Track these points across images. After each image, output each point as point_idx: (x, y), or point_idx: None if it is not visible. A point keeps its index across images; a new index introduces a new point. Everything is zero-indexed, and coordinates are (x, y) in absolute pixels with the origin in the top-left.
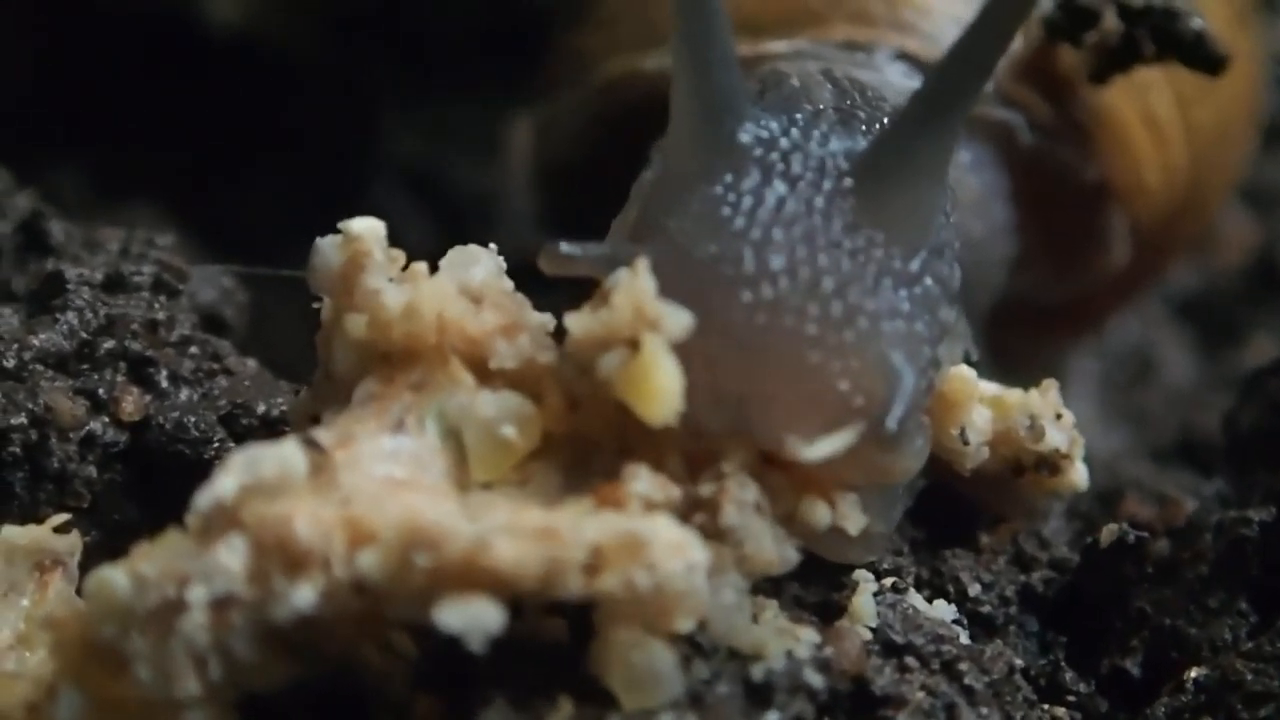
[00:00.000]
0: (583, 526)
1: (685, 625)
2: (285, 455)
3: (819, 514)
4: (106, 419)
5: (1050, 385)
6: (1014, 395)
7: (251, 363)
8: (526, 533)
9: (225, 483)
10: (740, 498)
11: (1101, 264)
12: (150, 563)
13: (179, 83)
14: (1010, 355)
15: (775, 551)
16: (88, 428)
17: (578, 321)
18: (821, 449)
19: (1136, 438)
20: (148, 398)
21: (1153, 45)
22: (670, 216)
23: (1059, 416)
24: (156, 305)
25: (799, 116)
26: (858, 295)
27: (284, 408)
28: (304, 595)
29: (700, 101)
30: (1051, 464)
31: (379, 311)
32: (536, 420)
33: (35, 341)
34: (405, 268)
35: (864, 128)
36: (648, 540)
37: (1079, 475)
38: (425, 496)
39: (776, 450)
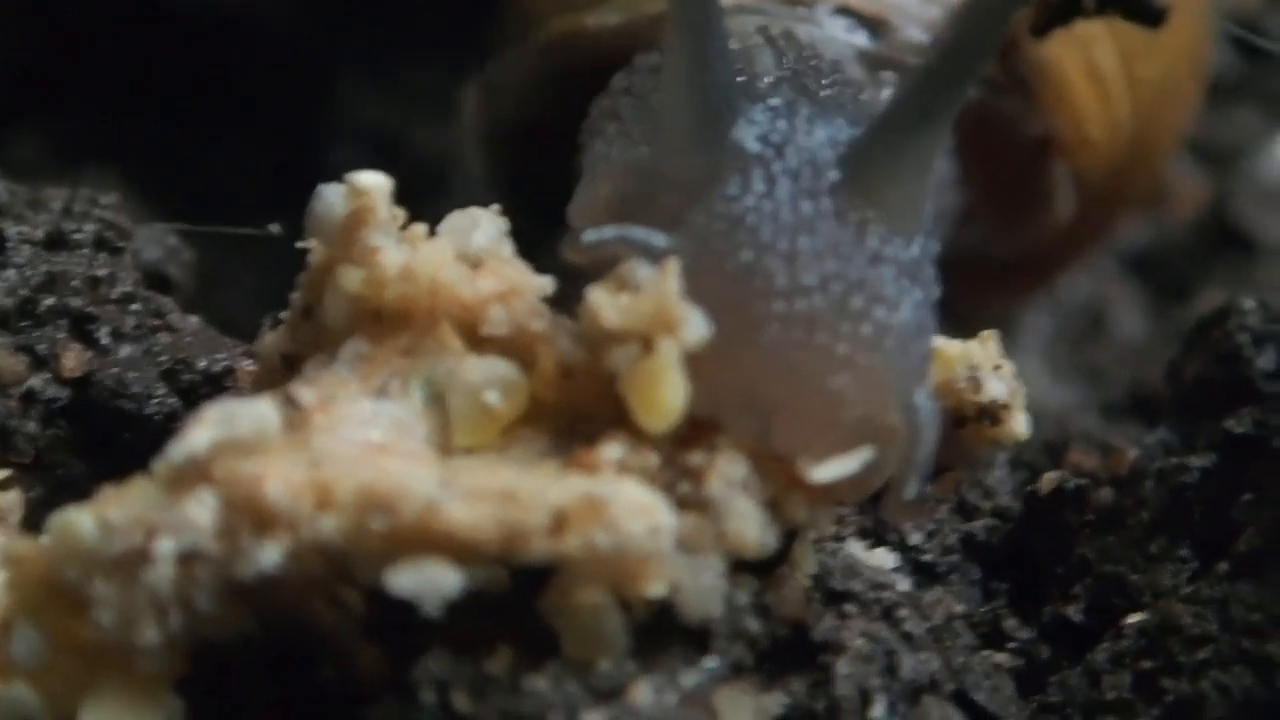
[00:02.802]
0: (546, 489)
1: (655, 590)
2: (260, 413)
3: (801, 514)
4: (48, 375)
5: (989, 336)
6: (954, 347)
7: (194, 319)
8: (486, 496)
9: (199, 436)
10: (728, 473)
11: (1047, 217)
12: (118, 509)
13: (137, 47)
14: (962, 312)
15: (758, 534)
16: (29, 384)
17: (597, 299)
18: (829, 472)
19: (1086, 392)
20: (89, 354)
21: None
22: (693, 212)
23: (998, 367)
24: (98, 262)
25: (776, 104)
26: (884, 312)
27: (226, 363)
28: (269, 555)
29: (698, 97)
30: (992, 414)
31: (376, 270)
32: (523, 387)
33: None
34: (404, 226)
35: (833, 105)
36: (609, 501)
37: (1020, 425)
38: (400, 461)
39: (790, 463)
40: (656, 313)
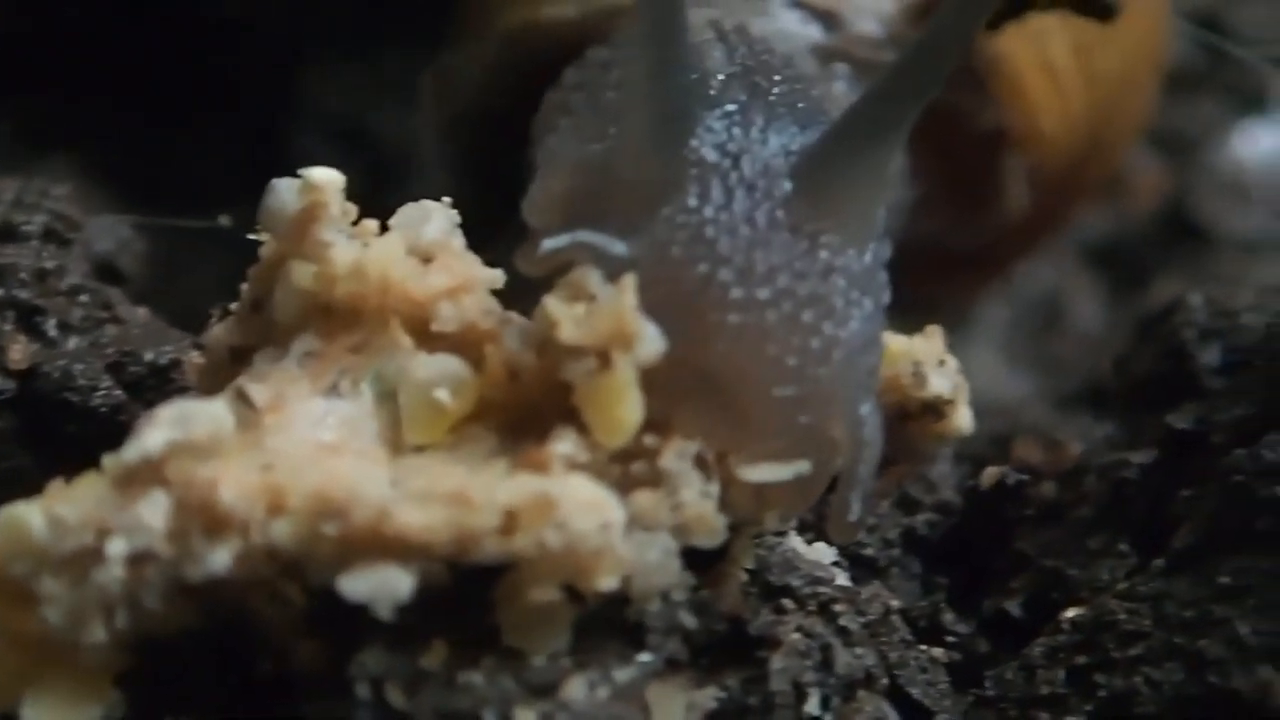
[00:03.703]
0: (495, 489)
1: (607, 584)
2: (215, 415)
3: (746, 506)
4: None
5: (934, 331)
6: (898, 342)
7: (142, 311)
8: (437, 497)
9: (154, 437)
10: (683, 449)
11: (1001, 210)
12: (69, 506)
13: (101, 34)
14: (920, 303)
15: (712, 507)
16: None
17: (554, 310)
18: (761, 474)
19: (1044, 384)
20: (36, 346)
21: None
22: (650, 220)
23: (942, 362)
24: (46, 254)
25: (732, 109)
26: (833, 327)
27: (173, 355)
28: (219, 559)
29: (657, 104)
30: (936, 409)
31: (327, 265)
32: (472, 384)
33: None
34: (356, 223)
35: (785, 106)
36: (558, 499)
37: (963, 420)
38: (350, 461)
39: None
40: (614, 328)
